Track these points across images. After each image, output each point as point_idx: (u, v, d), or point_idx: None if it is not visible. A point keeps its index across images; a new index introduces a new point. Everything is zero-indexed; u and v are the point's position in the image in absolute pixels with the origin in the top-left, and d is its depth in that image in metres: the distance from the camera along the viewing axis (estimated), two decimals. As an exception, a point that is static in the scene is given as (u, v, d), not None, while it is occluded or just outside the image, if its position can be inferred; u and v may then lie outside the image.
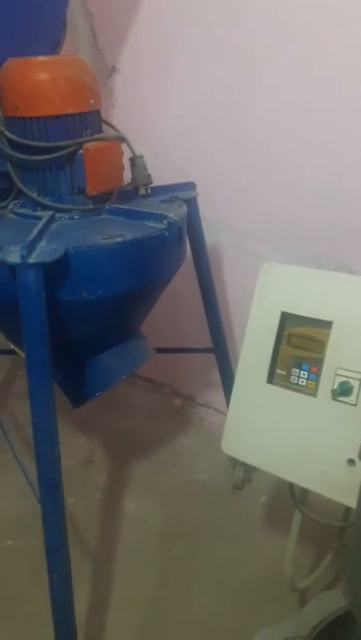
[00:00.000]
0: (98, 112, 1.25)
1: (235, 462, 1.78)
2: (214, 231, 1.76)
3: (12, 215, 1.28)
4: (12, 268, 1.04)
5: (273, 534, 1.61)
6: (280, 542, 1.56)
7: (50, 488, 1.12)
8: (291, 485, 1.17)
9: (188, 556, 1.56)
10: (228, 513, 1.70)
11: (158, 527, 1.65)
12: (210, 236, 1.67)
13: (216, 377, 1.86)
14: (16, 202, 1.30)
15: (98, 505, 1.73)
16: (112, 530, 1.64)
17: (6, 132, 1.20)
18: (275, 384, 1.09)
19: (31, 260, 1.02)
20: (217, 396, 1.99)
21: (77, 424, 2.04)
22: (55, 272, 1.07)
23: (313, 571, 1.32)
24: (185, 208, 1.35)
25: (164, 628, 1.38)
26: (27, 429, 1.98)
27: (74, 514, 1.68)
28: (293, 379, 1.07)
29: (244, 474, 1.77)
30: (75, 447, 1.94)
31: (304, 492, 1.22)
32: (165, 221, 1.20)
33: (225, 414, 2.00)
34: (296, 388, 1.06)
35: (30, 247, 1.05)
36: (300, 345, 1.07)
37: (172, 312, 1.98)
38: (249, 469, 1.79)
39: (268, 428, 1.09)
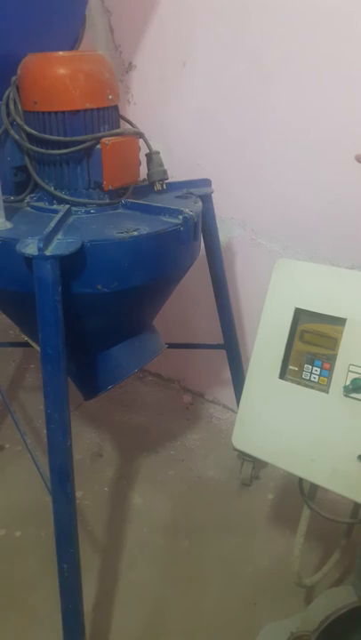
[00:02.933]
0: (116, 107, 1.26)
1: (243, 459, 1.78)
2: (228, 228, 1.77)
3: (28, 208, 1.29)
4: (28, 260, 1.05)
5: (280, 531, 1.62)
6: (287, 539, 1.57)
7: (61, 478, 1.13)
8: (300, 481, 1.17)
9: (195, 551, 1.58)
10: (235, 509, 1.71)
11: (166, 522, 1.66)
12: (223, 233, 1.68)
13: (225, 374, 1.86)
14: (33, 195, 1.31)
15: (106, 498, 1.74)
16: (120, 523, 1.65)
17: (25, 126, 1.21)
18: (287, 380, 1.09)
19: (48, 253, 1.04)
20: (226, 393, 2.00)
21: (87, 418, 2.06)
22: (71, 265, 1.08)
23: (320, 568, 1.32)
24: (200, 204, 1.36)
25: (171, 622, 1.39)
26: (36, 422, 2.00)
27: (82, 507, 1.69)
28: (306, 375, 1.07)
29: (252, 471, 1.78)
30: (84, 440, 1.95)
31: (313, 488, 1.22)
32: (181, 216, 1.21)
33: (234, 411, 2.02)
34: (308, 384, 1.06)
35: (47, 240, 1.06)
36: (312, 341, 1.07)
37: (183, 308, 1.99)
38: (257, 466, 1.79)
39: (279, 423, 1.09)
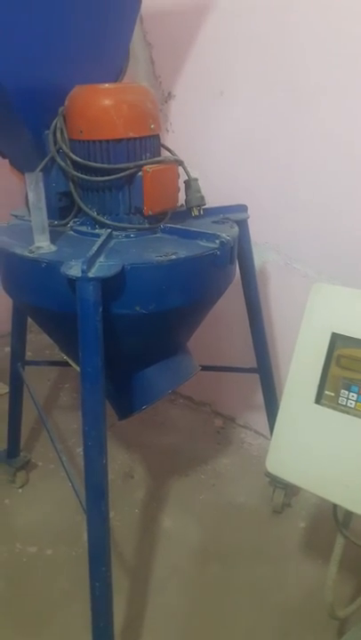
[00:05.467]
0: (157, 136, 1.30)
1: (275, 485, 1.76)
2: (262, 252, 1.79)
3: (72, 232, 1.34)
4: (72, 282, 1.09)
5: (312, 561, 1.59)
6: (319, 569, 1.53)
7: (96, 496, 1.15)
8: (334, 508, 1.15)
9: (225, 576, 1.56)
10: (266, 536, 1.69)
11: (196, 546, 1.65)
12: (258, 257, 1.70)
13: (257, 398, 1.86)
14: (76, 220, 1.36)
15: (136, 520, 1.75)
16: (149, 546, 1.65)
17: (70, 154, 1.27)
18: (323, 405, 1.09)
19: (91, 275, 1.07)
20: (258, 418, 1.99)
21: (119, 439, 2.07)
22: (111, 286, 1.11)
23: (354, 599, 1.29)
24: (236, 229, 1.38)
25: (200, 648, 1.37)
26: (69, 441, 2.03)
27: (113, 527, 1.68)
28: (342, 400, 1.07)
29: (283, 498, 1.75)
30: (115, 461, 1.97)
31: (348, 515, 1.20)
32: (218, 241, 1.24)
33: (266, 437, 2.01)
34: (344, 409, 1.06)
35: (90, 262, 1.10)
36: (349, 366, 1.07)
37: (217, 331, 2.00)
38: (289, 493, 1.77)
39: (313, 449, 1.09)
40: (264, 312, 1.69)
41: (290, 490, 1.76)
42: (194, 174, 1.39)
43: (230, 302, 1.60)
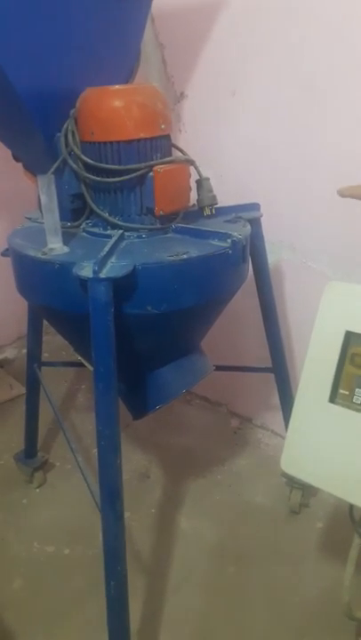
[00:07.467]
0: (168, 136, 1.30)
1: (292, 486, 1.75)
2: (277, 250, 1.77)
3: (84, 234, 1.35)
4: (84, 283, 1.10)
5: (329, 561, 1.57)
6: (336, 570, 1.52)
7: (111, 495, 1.15)
8: (351, 507, 1.14)
9: (242, 577, 1.55)
10: (283, 537, 1.68)
11: (212, 546, 1.65)
12: (273, 256, 1.69)
13: (274, 398, 1.84)
14: (89, 221, 1.37)
15: (153, 520, 1.75)
16: (166, 546, 1.65)
17: (82, 156, 1.28)
18: (337, 403, 1.08)
19: (102, 275, 1.08)
20: (275, 418, 1.97)
21: (135, 439, 2.08)
22: (123, 286, 1.12)
23: (372, 601, 1.27)
24: (249, 227, 1.38)
25: (216, 649, 1.37)
26: (86, 441, 2.04)
27: (129, 527, 1.69)
28: (357, 399, 1.05)
29: (301, 498, 1.74)
30: (131, 461, 1.97)
31: (365, 516, 1.18)
32: (229, 240, 1.23)
33: (283, 437, 1.98)
34: (359, 408, 1.05)
35: (101, 263, 1.10)
36: (364, 365, 1.05)
37: (231, 331, 2.00)
38: (306, 494, 1.75)
39: (328, 448, 1.07)
40: (280, 311, 1.68)
41: (307, 490, 1.74)
42: (207, 174, 1.38)
43: (245, 301, 1.60)
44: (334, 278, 1.65)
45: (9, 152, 1.46)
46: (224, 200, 1.45)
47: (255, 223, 1.46)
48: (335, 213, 1.62)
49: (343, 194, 1.16)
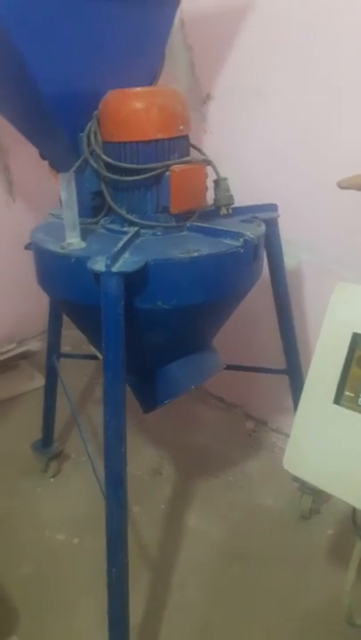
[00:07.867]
0: (186, 137, 1.33)
1: (303, 491, 1.74)
2: (297, 252, 1.77)
3: (102, 230, 1.39)
4: (97, 276, 1.13)
5: (336, 569, 1.55)
6: (343, 578, 1.49)
7: (115, 482, 1.18)
8: (353, 511, 1.13)
9: (248, 578, 1.55)
10: (292, 541, 1.67)
11: (220, 546, 1.65)
12: (292, 258, 1.69)
13: (290, 402, 1.84)
14: (107, 218, 1.41)
15: (162, 516, 1.77)
16: (173, 542, 1.67)
17: (103, 156, 1.32)
18: (342, 405, 1.07)
19: (114, 269, 1.11)
20: (290, 422, 1.95)
21: (148, 435, 2.10)
22: (135, 281, 1.15)
23: (375, 608, 1.26)
24: (263, 227, 1.39)
25: (216, 646, 1.37)
26: (100, 433, 2.06)
27: (138, 522, 1.73)
28: (361, 401, 1.05)
29: (311, 504, 1.73)
30: (144, 457, 2.00)
31: (368, 520, 1.17)
32: (241, 239, 1.25)
33: (297, 441, 1.97)
34: (364, 411, 1.04)
35: (114, 258, 1.14)
36: (370, 367, 1.05)
37: (248, 331, 2.00)
38: (317, 500, 1.74)
39: (332, 449, 1.07)
40: (298, 313, 1.67)
41: (318, 496, 1.73)
42: (229, 174, 1.40)
43: (262, 302, 1.60)
44: (356, 282, 1.64)
45: (37, 151, 1.52)
46: (248, 200, 1.46)
47: (272, 223, 1.47)
48: (356, 216, 1.61)
49: (342, 185, 1.16)
